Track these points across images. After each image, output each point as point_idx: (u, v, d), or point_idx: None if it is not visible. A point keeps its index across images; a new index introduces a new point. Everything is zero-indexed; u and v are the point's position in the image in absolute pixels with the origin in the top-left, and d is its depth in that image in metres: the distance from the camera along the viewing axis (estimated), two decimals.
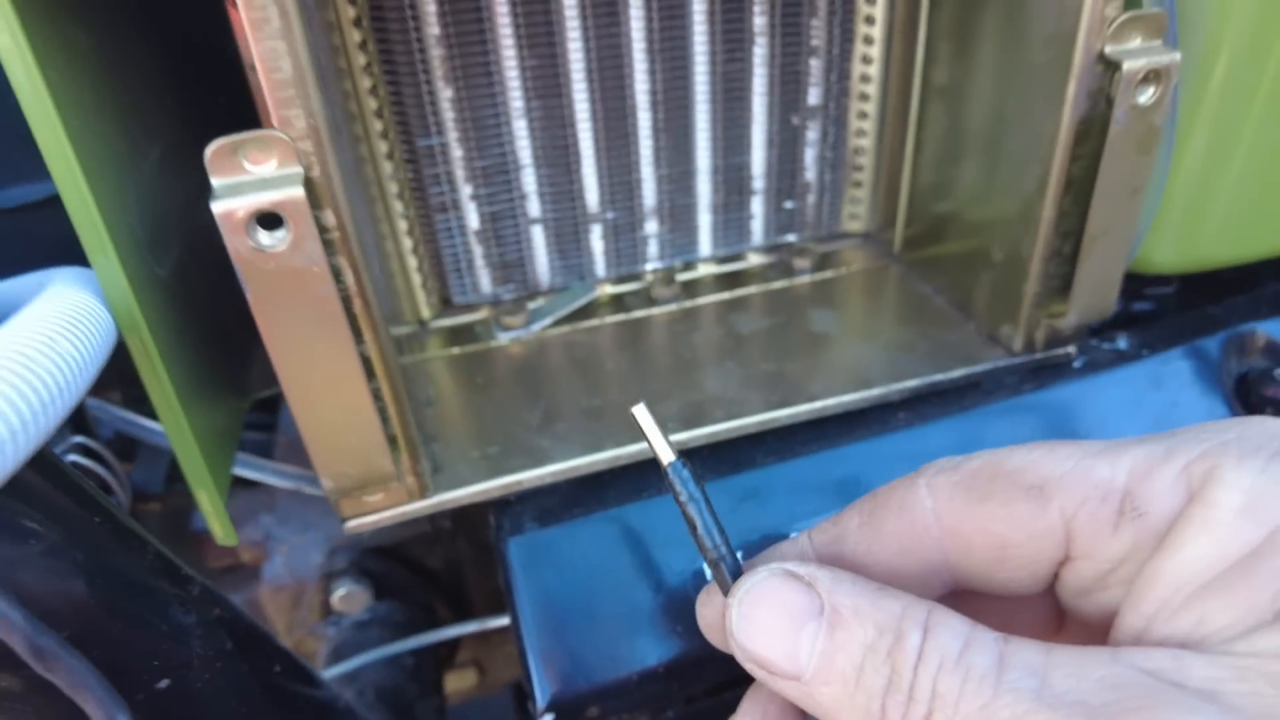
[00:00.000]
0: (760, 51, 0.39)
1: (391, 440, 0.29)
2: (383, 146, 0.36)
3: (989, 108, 0.36)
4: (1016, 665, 0.18)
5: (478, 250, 0.40)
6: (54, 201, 0.25)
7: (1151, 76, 0.30)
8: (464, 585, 0.48)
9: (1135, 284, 0.46)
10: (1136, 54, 0.30)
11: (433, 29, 0.34)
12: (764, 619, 0.20)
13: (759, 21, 0.38)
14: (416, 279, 0.40)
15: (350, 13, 0.33)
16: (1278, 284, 0.43)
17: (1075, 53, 0.30)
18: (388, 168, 0.37)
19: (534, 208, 0.40)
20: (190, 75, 0.35)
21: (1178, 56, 0.30)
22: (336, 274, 0.26)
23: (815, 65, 0.40)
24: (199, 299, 0.32)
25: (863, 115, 0.42)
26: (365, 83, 0.34)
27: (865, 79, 0.41)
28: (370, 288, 0.27)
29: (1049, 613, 0.24)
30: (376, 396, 0.28)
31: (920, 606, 0.20)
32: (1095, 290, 0.35)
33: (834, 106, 0.41)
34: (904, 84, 0.40)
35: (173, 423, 0.28)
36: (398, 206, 0.38)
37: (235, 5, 0.22)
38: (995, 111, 0.35)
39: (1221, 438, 0.20)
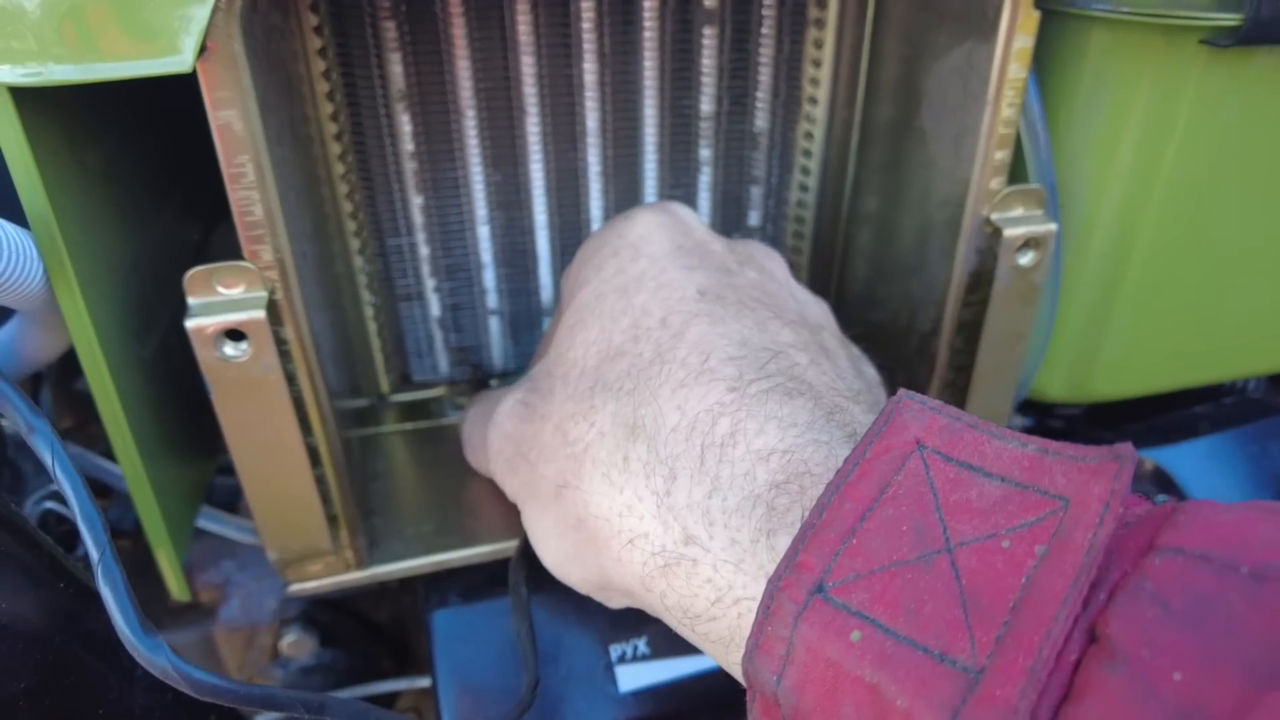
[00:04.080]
0: (705, 179, 0.43)
1: (332, 519, 0.33)
2: (355, 243, 0.40)
3: (900, 243, 0.40)
4: (504, 396, 0.33)
5: (438, 335, 0.44)
6: None
7: (1031, 243, 0.35)
8: (407, 638, 0.51)
9: (1047, 406, 0.49)
10: (1017, 222, 0.34)
11: (407, 146, 0.39)
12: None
13: (704, 153, 0.42)
14: (379, 358, 0.44)
15: (332, 129, 0.37)
16: (1169, 414, 0.47)
17: (965, 216, 0.34)
18: (359, 261, 0.41)
19: (492, 301, 0.44)
20: (182, 178, 0.39)
21: (1054, 227, 0.35)
22: (290, 378, 0.29)
23: (755, 192, 0.44)
24: (177, 373, 0.35)
25: (798, 235, 0.46)
26: (343, 189, 0.39)
27: (801, 205, 0.45)
28: (322, 388, 0.31)
29: None
30: (320, 481, 0.32)
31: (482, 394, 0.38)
32: (986, 419, 0.39)
33: (771, 228, 0.46)
34: (834, 211, 0.44)
35: (138, 487, 0.32)
36: (366, 295, 0.42)
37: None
38: (903, 249, 0.39)
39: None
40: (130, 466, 0.31)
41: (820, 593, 0.20)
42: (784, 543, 0.22)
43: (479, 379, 0.45)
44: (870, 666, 0.18)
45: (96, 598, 0.29)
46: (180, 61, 0.23)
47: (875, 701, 0.18)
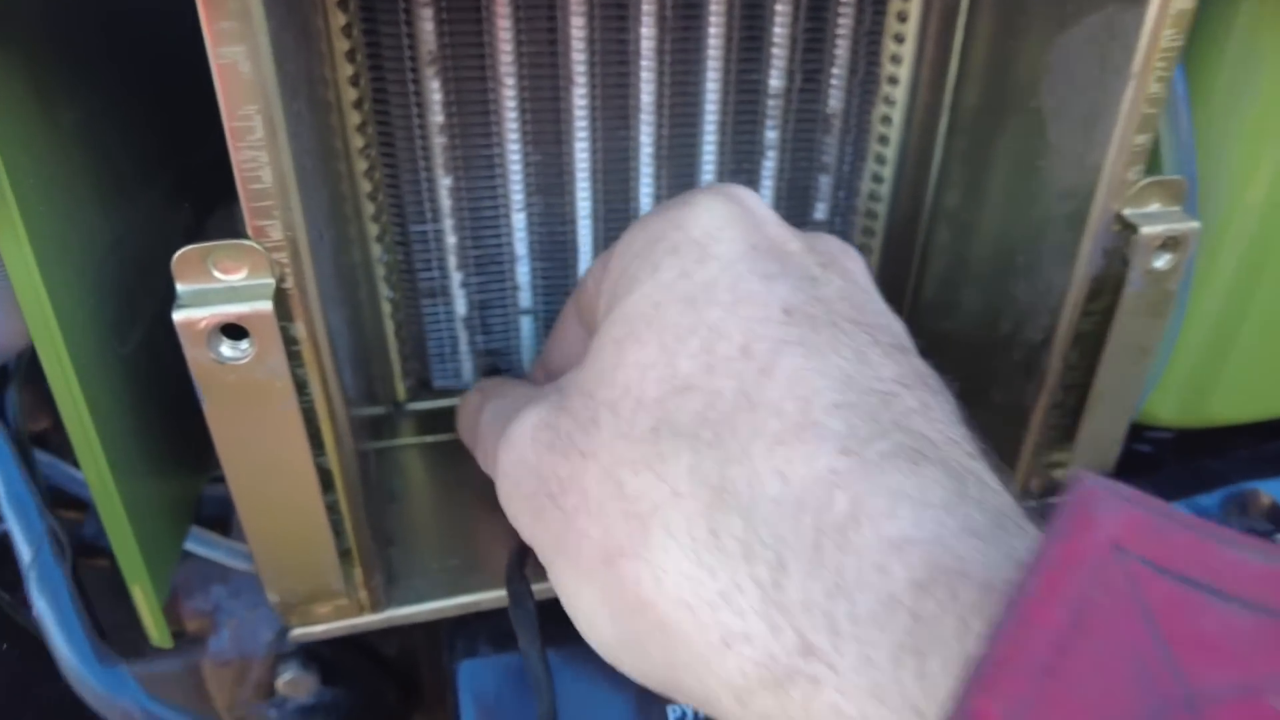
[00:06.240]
0: (770, 165, 0.38)
1: (345, 554, 0.28)
2: (373, 229, 0.35)
3: (996, 242, 0.35)
4: (525, 407, 0.27)
5: (463, 336, 0.39)
6: None
7: (1169, 243, 0.30)
8: (418, 674, 0.46)
9: (1135, 428, 0.44)
10: (1155, 219, 0.29)
11: (436, 117, 0.33)
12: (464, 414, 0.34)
13: (770, 135, 0.37)
14: (396, 361, 0.39)
15: (352, 95, 0.32)
16: (1275, 443, 0.42)
17: (1093, 211, 0.29)
18: (377, 250, 0.35)
19: (525, 299, 0.39)
20: (176, 153, 0.34)
21: (1196, 225, 0.30)
22: (301, 386, 0.24)
23: (824, 181, 0.39)
24: (161, 371, 0.30)
25: (869, 232, 0.41)
26: (361, 165, 0.33)
27: (874, 197, 0.40)
28: (338, 397, 0.25)
29: None
30: (332, 510, 0.27)
31: (498, 383, 0.33)
32: (1098, 446, 0.34)
33: (840, 222, 0.41)
34: (912, 206, 0.39)
35: (108, 507, 0.27)
36: (384, 289, 0.36)
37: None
38: (1003, 249, 0.34)
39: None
40: (98, 481, 0.26)
41: None
42: (936, 668, 0.17)
43: None
44: None
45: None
46: None
47: None
